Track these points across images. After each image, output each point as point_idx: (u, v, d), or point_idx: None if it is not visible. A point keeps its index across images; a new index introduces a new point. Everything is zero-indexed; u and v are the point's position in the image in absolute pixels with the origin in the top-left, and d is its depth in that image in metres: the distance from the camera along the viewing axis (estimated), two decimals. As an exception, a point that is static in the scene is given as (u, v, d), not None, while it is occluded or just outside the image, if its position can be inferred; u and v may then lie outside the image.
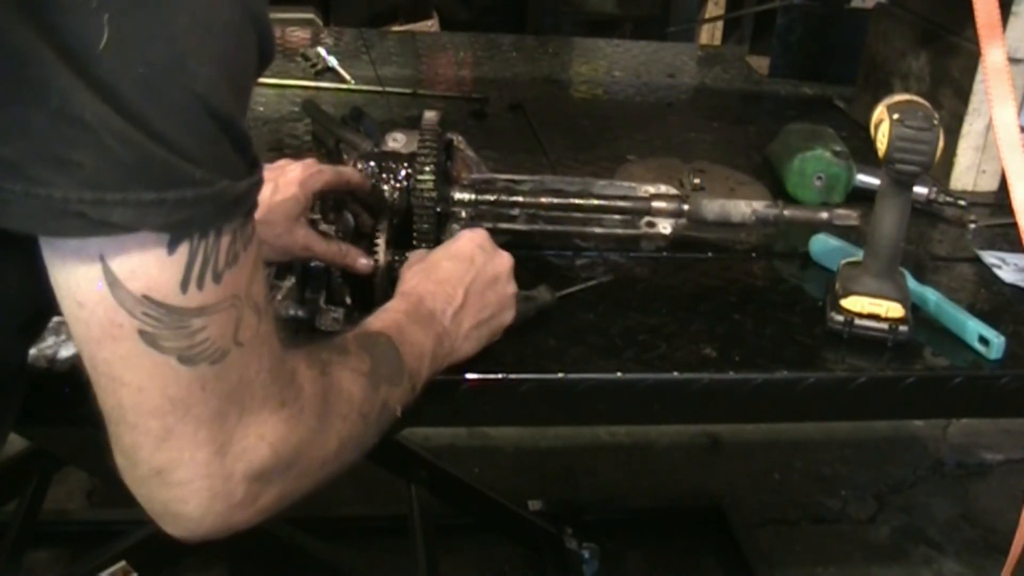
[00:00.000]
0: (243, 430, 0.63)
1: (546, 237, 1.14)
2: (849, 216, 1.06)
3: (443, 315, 0.88)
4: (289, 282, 0.99)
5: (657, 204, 1.08)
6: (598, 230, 1.10)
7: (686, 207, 1.08)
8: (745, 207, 1.08)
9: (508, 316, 0.95)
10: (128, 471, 0.63)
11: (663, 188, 1.10)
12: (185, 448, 0.61)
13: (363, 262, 0.98)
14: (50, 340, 0.88)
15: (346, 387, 0.73)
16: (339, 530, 1.97)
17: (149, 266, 0.56)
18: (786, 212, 1.07)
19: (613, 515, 2.11)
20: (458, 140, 1.13)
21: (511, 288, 0.95)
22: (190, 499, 0.62)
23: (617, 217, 1.09)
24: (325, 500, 2.03)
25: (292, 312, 0.97)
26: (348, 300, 0.98)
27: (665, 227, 1.09)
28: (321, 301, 0.97)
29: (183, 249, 0.56)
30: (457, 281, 0.91)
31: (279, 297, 0.98)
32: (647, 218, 1.09)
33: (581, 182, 1.12)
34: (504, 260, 0.95)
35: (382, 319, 0.84)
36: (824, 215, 1.07)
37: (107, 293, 0.56)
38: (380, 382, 0.77)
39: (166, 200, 0.54)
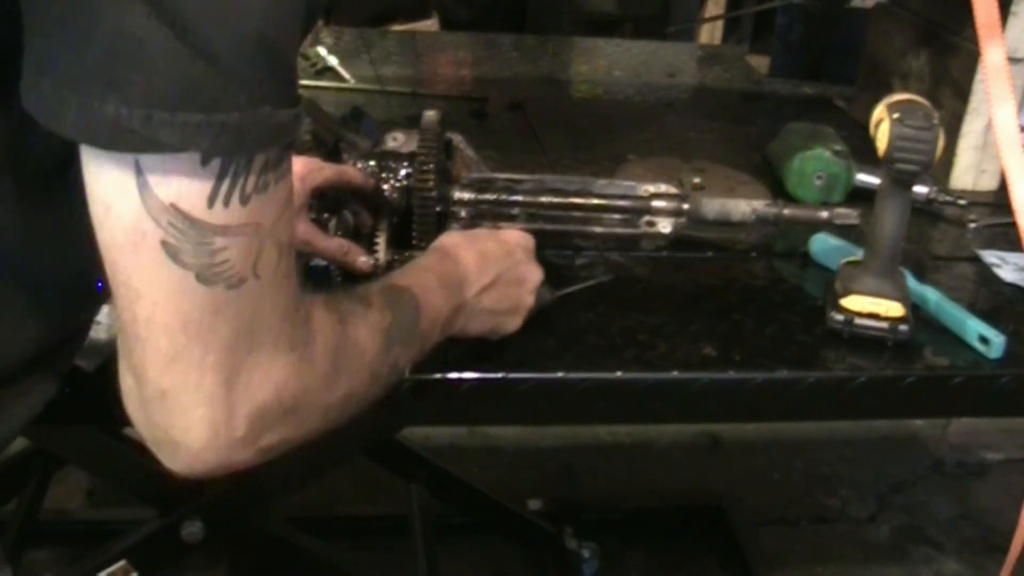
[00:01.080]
0: (251, 367, 0.63)
1: (546, 236, 1.13)
2: (849, 215, 1.06)
3: (470, 287, 0.89)
4: None
5: (657, 203, 1.08)
6: (598, 229, 1.10)
7: (686, 206, 1.08)
8: (745, 206, 1.08)
9: (516, 322, 0.95)
10: (134, 393, 0.63)
11: (663, 187, 1.10)
12: (192, 372, 0.61)
13: (363, 260, 0.98)
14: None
15: (361, 342, 0.73)
16: (339, 530, 1.97)
17: (180, 177, 0.57)
18: (786, 211, 1.07)
19: (613, 515, 2.11)
20: (458, 140, 1.13)
21: (530, 300, 0.96)
22: (191, 427, 0.62)
23: (617, 216, 1.09)
24: (325, 500, 2.04)
25: None
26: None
27: (665, 226, 1.09)
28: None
29: (215, 165, 0.57)
30: (495, 261, 0.92)
31: None
32: (647, 217, 1.09)
33: (581, 181, 1.13)
34: (536, 272, 0.96)
35: (413, 275, 0.85)
36: (824, 214, 1.07)
37: (136, 199, 0.57)
38: (395, 342, 0.77)
39: (213, 123, 0.56)
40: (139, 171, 0.57)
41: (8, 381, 0.71)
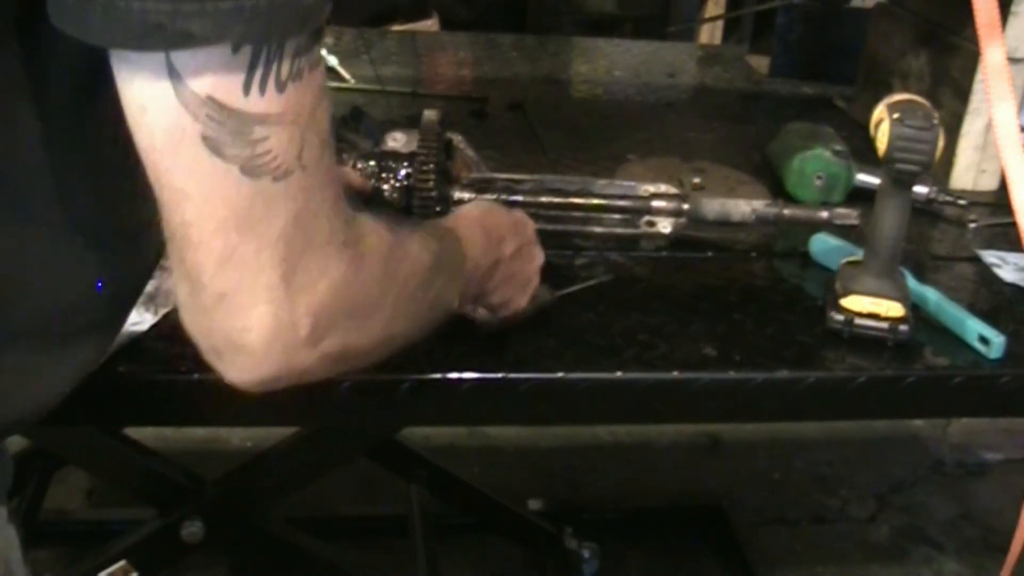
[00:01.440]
0: (307, 263, 0.62)
1: (546, 236, 1.13)
2: (849, 215, 1.06)
3: (506, 246, 0.89)
4: None
5: (657, 203, 1.08)
6: (598, 229, 1.10)
7: (686, 206, 1.08)
8: (745, 206, 1.08)
9: (525, 299, 0.96)
10: (191, 301, 0.62)
11: (663, 187, 1.10)
12: (248, 270, 0.60)
13: None
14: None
15: (411, 253, 0.72)
16: (339, 530, 1.97)
17: (214, 69, 0.56)
18: (786, 211, 1.07)
19: (613, 515, 2.11)
20: (458, 140, 1.13)
21: (537, 279, 0.97)
22: (253, 327, 0.61)
23: (617, 216, 1.09)
24: (325, 500, 2.04)
25: None
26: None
27: (665, 226, 1.09)
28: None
29: (247, 53, 0.56)
30: (520, 231, 0.93)
31: None
32: (647, 217, 1.09)
33: (581, 181, 1.13)
34: (541, 254, 0.97)
35: (457, 219, 0.85)
36: (824, 214, 1.07)
37: (171, 95, 0.56)
38: (442, 268, 0.77)
39: (242, 8, 0.55)
40: (171, 67, 0.56)
41: (60, 333, 0.70)
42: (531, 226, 0.97)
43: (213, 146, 0.57)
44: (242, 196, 0.59)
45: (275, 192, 0.59)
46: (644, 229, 1.09)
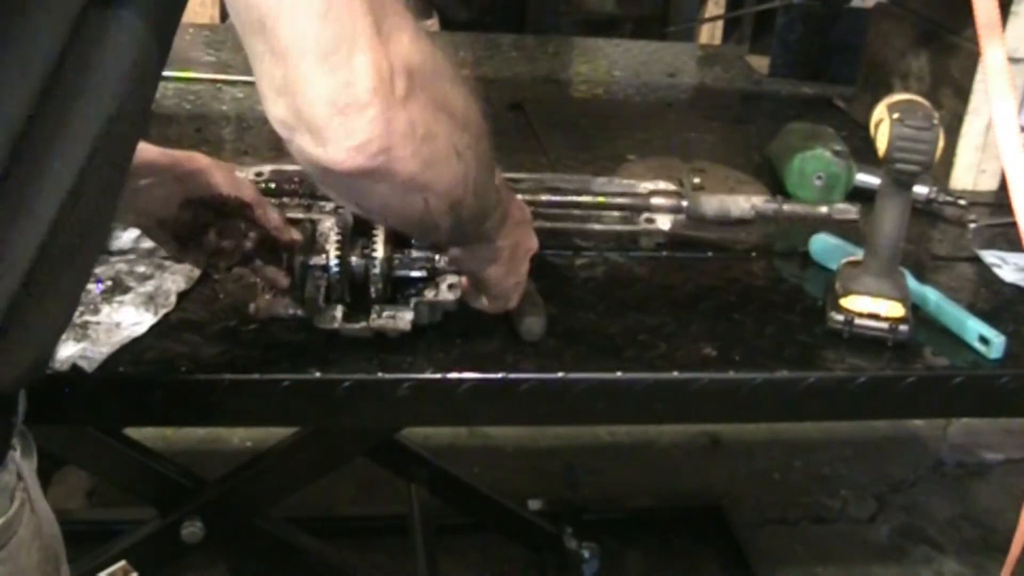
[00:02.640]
0: (391, 20, 0.65)
1: (545, 235, 1.13)
2: (848, 211, 1.06)
3: (514, 208, 0.93)
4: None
5: (656, 200, 1.08)
6: (597, 227, 1.10)
7: (685, 203, 1.08)
8: (744, 202, 1.08)
9: (525, 269, 0.98)
10: (290, 80, 0.64)
11: (662, 184, 1.10)
12: (346, 18, 0.63)
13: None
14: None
15: (450, 70, 0.74)
16: (339, 530, 1.97)
17: None
18: (785, 207, 1.07)
19: (613, 515, 2.11)
20: None
21: (527, 264, 0.98)
22: (357, 79, 0.63)
23: (616, 214, 1.09)
24: (325, 500, 2.04)
25: (291, 311, 0.97)
26: (347, 298, 0.98)
27: (664, 223, 1.09)
28: (320, 300, 0.97)
29: None
30: (523, 208, 0.97)
31: (269, 296, 0.98)
32: (646, 214, 1.09)
33: (580, 180, 1.12)
34: (535, 240, 1.00)
35: None
36: (823, 210, 1.07)
37: None
38: (490, 149, 0.81)
39: None
40: None
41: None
42: (528, 210, 0.99)
43: None
44: None
45: None
46: (643, 226, 1.09)
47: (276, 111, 0.65)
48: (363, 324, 0.94)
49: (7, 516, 0.68)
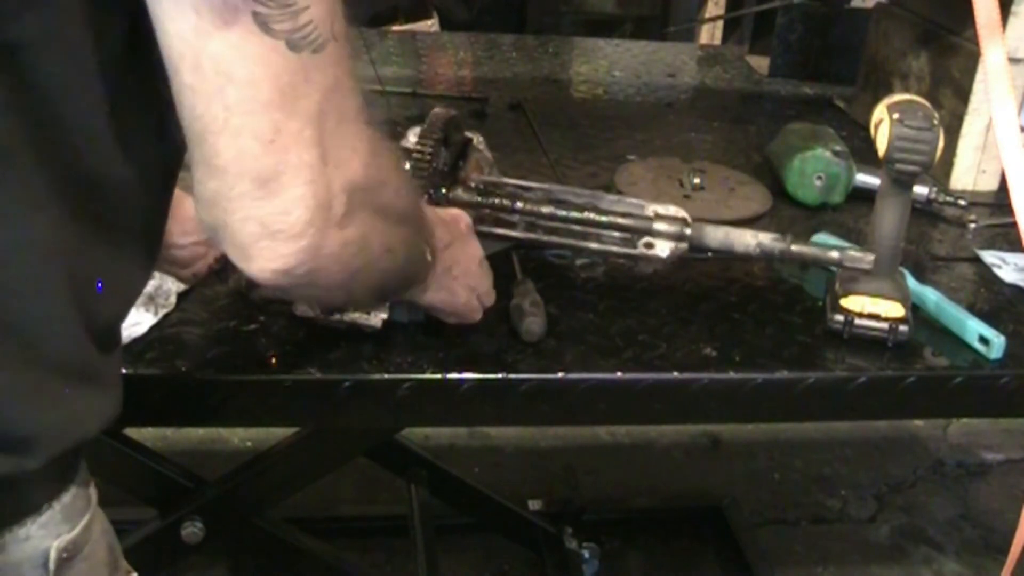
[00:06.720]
0: (339, 138, 0.64)
1: (543, 246, 1.12)
2: (862, 259, 1.00)
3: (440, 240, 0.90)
4: None
5: (659, 226, 1.05)
6: (594, 245, 1.07)
7: (688, 231, 1.05)
8: (751, 239, 1.04)
9: (476, 259, 0.97)
10: (223, 195, 0.63)
11: (672, 209, 1.06)
12: (292, 149, 0.62)
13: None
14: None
15: (393, 156, 0.76)
16: (339, 530, 1.97)
17: None
18: (793, 247, 1.03)
19: (613, 515, 2.11)
20: (477, 140, 1.12)
21: (476, 268, 0.97)
22: (293, 209, 0.62)
23: (616, 234, 1.07)
24: (325, 500, 2.04)
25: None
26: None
27: (663, 250, 1.05)
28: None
29: None
30: (453, 228, 0.94)
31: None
32: (646, 238, 1.05)
33: (589, 195, 1.09)
34: (479, 248, 0.98)
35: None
36: (834, 255, 1.02)
37: None
38: (421, 213, 0.84)
39: None
40: None
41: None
42: (464, 221, 0.97)
43: (262, 22, 0.59)
44: (287, 70, 0.60)
45: (314, 64, 0.61)
46: (642, 251, 1.06)
47: (204, 218, 0.65)
48: (337, 316, 0.94)
49: (89, 514, 0.70)
